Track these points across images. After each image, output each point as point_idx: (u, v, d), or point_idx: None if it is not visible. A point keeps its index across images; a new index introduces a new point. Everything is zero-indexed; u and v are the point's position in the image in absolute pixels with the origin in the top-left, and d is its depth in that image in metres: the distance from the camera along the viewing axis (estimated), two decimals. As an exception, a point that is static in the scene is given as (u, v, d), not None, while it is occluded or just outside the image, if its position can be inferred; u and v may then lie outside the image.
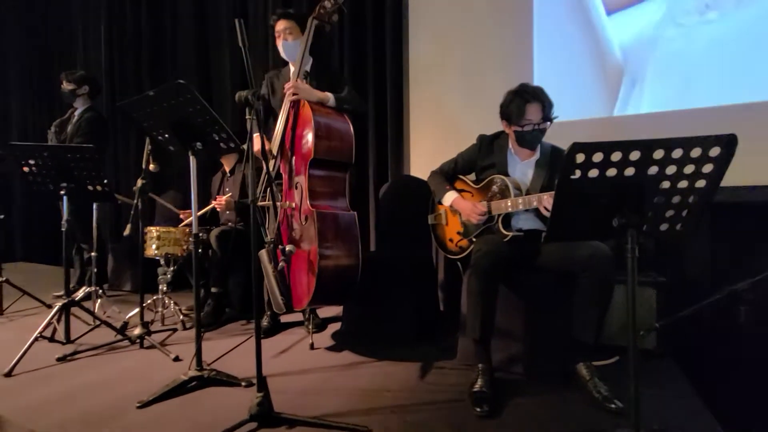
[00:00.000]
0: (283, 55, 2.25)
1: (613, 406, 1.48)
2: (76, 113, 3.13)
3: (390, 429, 1.38)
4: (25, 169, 2.90)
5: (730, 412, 1.54)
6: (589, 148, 1.12)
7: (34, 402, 1.57)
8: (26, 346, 1.88)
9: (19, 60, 5.29)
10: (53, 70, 5.16)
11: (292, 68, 2.21)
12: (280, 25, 2.21)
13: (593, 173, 1.15)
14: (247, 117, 1.37)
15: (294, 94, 2.03)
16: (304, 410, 1.45)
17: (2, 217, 2.71)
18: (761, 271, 1.57)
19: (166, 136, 1.72)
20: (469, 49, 2.93)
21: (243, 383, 1.67)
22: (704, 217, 2.31)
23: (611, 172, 1.15)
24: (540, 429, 1.37)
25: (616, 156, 1.13)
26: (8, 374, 1.79)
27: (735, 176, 2.16)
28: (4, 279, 2.67)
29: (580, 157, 1.13)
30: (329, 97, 2.07)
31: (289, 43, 2.19)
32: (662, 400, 1.55)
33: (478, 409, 1.48)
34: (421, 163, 3.07)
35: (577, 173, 1.15)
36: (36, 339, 1.93)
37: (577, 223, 1.27)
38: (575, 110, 2.61)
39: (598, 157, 1.13)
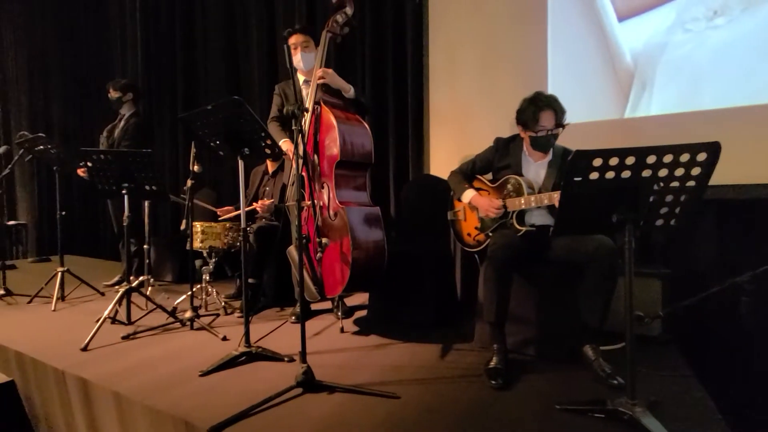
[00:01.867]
0: (300, 65, 2.43)
1: (615, 382, 1.65)
2: (123, 119, 3.42)
3: (417, 397, 1.59)
4: (80, 171, 3.22)
5: (728, 391, 1.71)
6: (589, 154, 1.31)
7: (111, 370, 1.84)
8: (97, 326, 2.16)
9: (59, 71, 5.66)
10: (93, 80, 5.53)
11: (302, 77, 2.43)
12: (299, 39, 2.41)
13: (594, 176, 1.34)
14: (293, 128, 1.59)
15: (321, 78, 2.24)
16: (340, 380, 1.67)
17: (64, 213, 3.01)
18: (763, 265, 1.73)
19: (218, 142, 1.96)
20: (486, 54, 3.08)
21: (285, 358, 1.91)
22: (710, 214, 2.45)
23: (609, 174, 1.33)
24: (548, 400, 1.55)
25: (613, 161, 1.31)
26: (84, 349, 2.07)
27: (742, 174, 2.31)
28: (65, 269, 2.98)
29: (582, 163, 1.32)
30: (350, 87, 2.32)
31: (307, 54, 2.40)
32: (661, 379, 1.71)
33: (493, 382, 1.67)
34: (440, 163, 3.23)
35: (580, 176, 1.34)
36: (104, 320, 2.22)
37: (580, 219, 1.45)
38: (588, 112, 2.75)
39: (597, 162, 1.31)
